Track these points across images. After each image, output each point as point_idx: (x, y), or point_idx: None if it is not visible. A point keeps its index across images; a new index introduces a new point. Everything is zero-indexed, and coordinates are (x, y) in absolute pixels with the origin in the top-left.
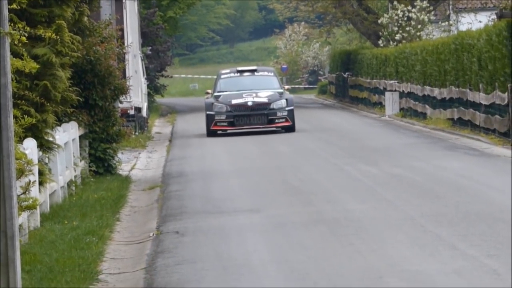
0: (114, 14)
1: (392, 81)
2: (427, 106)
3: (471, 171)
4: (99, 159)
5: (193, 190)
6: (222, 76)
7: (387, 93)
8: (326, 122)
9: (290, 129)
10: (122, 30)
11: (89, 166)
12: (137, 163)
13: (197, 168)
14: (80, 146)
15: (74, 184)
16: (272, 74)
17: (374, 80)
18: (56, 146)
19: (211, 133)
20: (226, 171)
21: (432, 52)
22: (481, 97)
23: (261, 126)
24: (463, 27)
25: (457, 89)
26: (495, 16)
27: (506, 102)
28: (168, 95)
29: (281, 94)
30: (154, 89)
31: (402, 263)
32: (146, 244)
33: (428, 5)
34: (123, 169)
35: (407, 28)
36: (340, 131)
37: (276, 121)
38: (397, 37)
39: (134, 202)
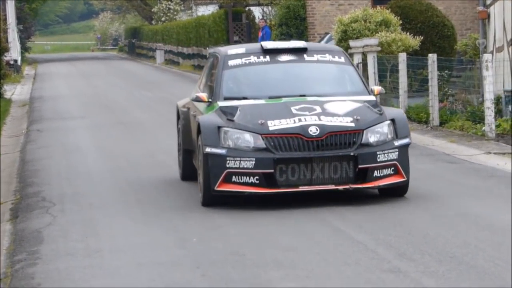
0: (1, 7)
1: (160, 44)
2: (180, 58)
3: None
4: None
5: (47, 106)
6: (230, 62)
7: (157, 51)
8: (122, 68)
9: (401, 190)
10: (5, 15)
11: None
12: (15, 91)
13: (49, 93)
14: None
15: None
16: (343, 58)
17: (150, 43)
18: None
19: (211, 199)
20: (67, 95)
21: (182, 27)
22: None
23: (340, 186)
24: (200, 13)
25: (196, 48)
26: (218, 7)
27: None
28: (32, 52)
29: (374, 106)
30: (24, 49)
31: (166, 145)
32: (21, 137)
33: (179, 0)
34: (8, 95)
35: (168, 14)
36: (130, 72)
37: (375, 173)
38: (163, 19)
39: (14, 113)
